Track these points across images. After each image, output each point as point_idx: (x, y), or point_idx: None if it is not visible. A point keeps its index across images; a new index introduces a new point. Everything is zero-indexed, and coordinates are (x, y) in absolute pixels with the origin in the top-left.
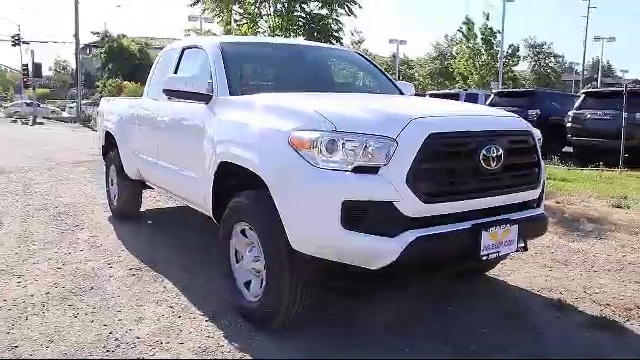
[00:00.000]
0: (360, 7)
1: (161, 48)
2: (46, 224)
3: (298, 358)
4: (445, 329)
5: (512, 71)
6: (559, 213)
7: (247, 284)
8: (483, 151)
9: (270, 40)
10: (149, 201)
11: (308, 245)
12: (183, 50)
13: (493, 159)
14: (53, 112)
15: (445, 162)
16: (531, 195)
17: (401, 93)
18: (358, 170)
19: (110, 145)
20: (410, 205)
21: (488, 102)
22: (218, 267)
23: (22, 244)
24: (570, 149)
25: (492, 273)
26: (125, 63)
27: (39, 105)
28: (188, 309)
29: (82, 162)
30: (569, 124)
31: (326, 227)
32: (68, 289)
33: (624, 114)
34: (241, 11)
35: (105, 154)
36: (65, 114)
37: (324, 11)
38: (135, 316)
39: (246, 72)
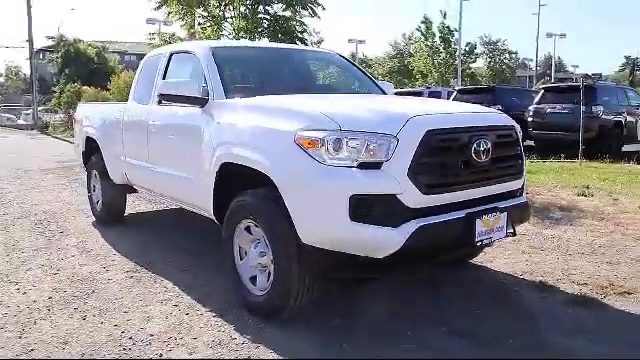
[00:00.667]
0: (324, 9)
1: (119, 52)
2: (30, 231)
3: (308, 347)
4: (441, 314)
5: (470, 68)
6: (530, 203)
7: (252, 279)
8: (474, 145)
9: (256, 44)
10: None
11: (317, 238)
12: (171, 55)
13: (483, 152)
14: (8, 119)
15: (441, 156)
16: (516, 185)
17: (383, 93)
18: (363, 166)
19: (91, 151)
20: (411, 197)
21: (451, 99)
22: (215, 267)
23: (10, 252)
24: (531, 142)
25: (476, 260)
26: (82, 68)
27: None
28: (193, 307)
29: (50, 169)
30: (530, 118)
31: (335, 220)
32: (70, 293)
33: (582, 108)
34: (205, 14)
35: (86, 160)
36: (21, 121)
37: (288, 13)
38: (143, 315)
39: (238, 75)
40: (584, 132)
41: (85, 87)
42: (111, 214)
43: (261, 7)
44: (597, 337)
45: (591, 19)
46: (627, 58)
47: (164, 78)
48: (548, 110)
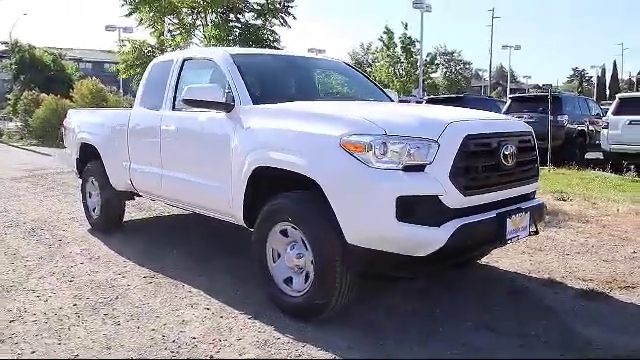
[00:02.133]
0: (295, 18)
1: (74, 59)
2: (25, 240)
3: (353, 344)
4: (464, 311)
5: (431, 78)
6: None
7: (287, 281)
8: (503, 149)
9: (269, 52)
10: None
11: (364, 238)
12: (184, 61)
13: (510, 156)
14: None
15: (477, 159)
16: (534, 187)
17: (391, 100)
18: (407, 169)
19: (87, 157)
20: (452, 198)
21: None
22: (228, 270)
23: (14, 260)
24: None
25: (483, 262)
26: (38, 75)
27: None
28: (225, 310)
29: (22, 178)
30: None
31: (383, 221)
32: (94, 300)
33: (550, 117)
34: (176, 21)
35: (80, 167)
36: None
37: (259, 22)
38: (178, 320)
39: (258, 81)
40: (551, 140)
41: (43, 95)
42: (109, 221)
43: (232, 15)
44: (612, 327)
45: (540, 32)
46: (574, 70)
47: (177, 84)
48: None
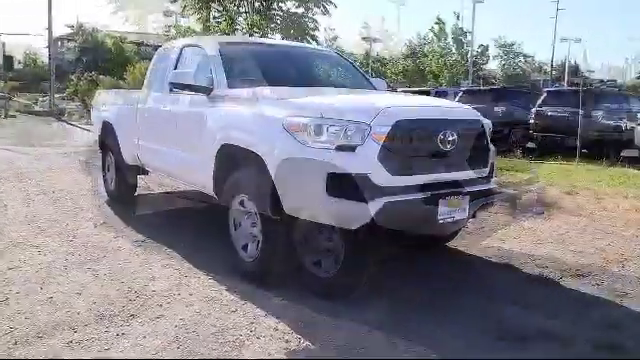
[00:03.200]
0: (335, 6)
1: (135, 43)
2: (50, 206)
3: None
4: (454, 289)
5: (482, 69)
6: (519, 194)
7: (244, 247)
8: (440, 135)
9: (261, 41)
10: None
11: (300, 210)
12: (182, 48)
13: (449, 142)
14: (26, 106)
15: (409, 143)
16: (481, 173)
17: (374, 88)
18: (340, 149)
19: (107, 134)
20: (381, 177)
21: (457, 99)
22: (215, 242)
23: (31, 222)
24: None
25: (453, 245)
26: (99, 57)
27: (11, 98)
28: (192, 270)
29: (66, 153)
30: (532, 120)
31: (314, 195)
32: (84, 257)
33: (580, 112)
34: (220, 8)
35: (102, 143)
36: (37, 108)
37: (301, 10)
38: (148, 276)
39: (241, 68)
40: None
41: (102, 76)
42: (122, 193)
43: (275, 3)
44: (543, 309)
45: (610, 26)
46: None
47: (175, 69)
48: (549, 113)
